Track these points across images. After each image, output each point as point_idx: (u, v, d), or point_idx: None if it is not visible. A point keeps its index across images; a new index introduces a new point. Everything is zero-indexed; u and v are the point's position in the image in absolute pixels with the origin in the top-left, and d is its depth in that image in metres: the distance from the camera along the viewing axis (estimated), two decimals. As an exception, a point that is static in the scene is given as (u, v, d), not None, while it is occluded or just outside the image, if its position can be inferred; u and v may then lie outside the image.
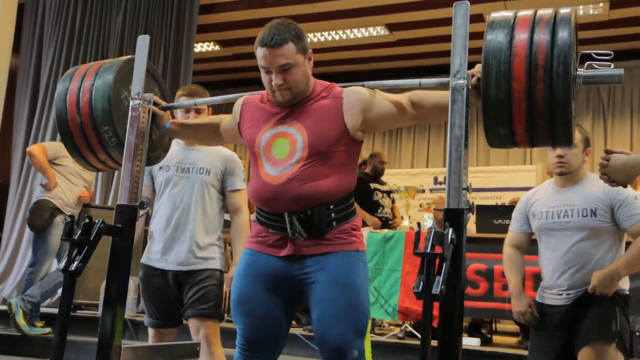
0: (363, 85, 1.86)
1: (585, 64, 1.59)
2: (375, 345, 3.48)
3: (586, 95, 8.13)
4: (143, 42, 1.99)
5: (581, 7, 6.57)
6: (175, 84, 6.14)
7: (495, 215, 4.62)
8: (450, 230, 1.42)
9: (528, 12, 1.56)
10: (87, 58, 6.60)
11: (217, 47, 8.33)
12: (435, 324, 1.51)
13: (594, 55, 1.57)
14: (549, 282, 2.50)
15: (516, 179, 7.16)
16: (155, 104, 2.09)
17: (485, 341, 4.44)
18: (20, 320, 4.19)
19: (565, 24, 1.49)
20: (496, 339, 4.93)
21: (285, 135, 1.85)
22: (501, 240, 2.73)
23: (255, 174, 1.89)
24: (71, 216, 1.85)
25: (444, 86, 1.63)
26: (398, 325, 4.63)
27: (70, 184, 4.61)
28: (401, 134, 9.18)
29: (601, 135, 7.98)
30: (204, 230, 2.67)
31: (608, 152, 1.98)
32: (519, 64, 1.48)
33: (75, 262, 1.71)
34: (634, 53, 7.44)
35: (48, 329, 4.33)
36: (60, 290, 3.83)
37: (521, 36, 1.50)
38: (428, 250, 1.37)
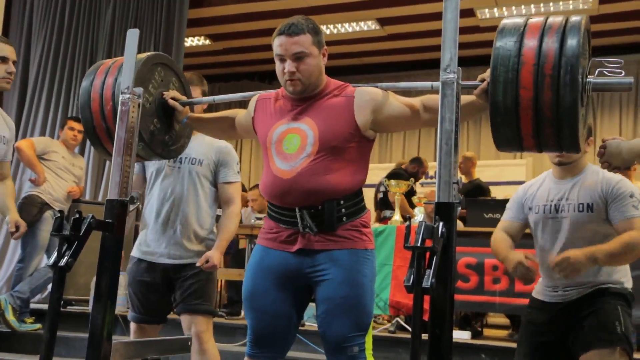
0: (377, 87, 1.89)
1: (596, 71, 1.60)
2: (366, 339, 3.48)
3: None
4: (132, 36, 1.98)
5: (571, 2, 6.60)
6: (166, 78, 6.09)
7: (486, 209, 4.63)
8: (441, 223, 1.42)
9: (539, 19, 1.57)
10: (77, 52, 6.55)
11: (207, 42, 8.28)
12: (426, 317, 1.52)
13: (605, 63, 1.59)
14: (544, 279, 2.40)
15: (506, 173, 7.20)
16: (174, 99, 2.12)
17: (476, 334, 4.47)
18: (10, 317, 4.16)
19: (575, 32, 1.49)
20: (487, 332, 4.95)
21: (297, 131, 1.87)
22: (491, 234, 2.71)
23: (267, 169, 1.91)
24: (60, 211, 1.83)
25: None
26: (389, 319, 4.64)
27: (59, 179, 4.58)
28: (392, 129, 9.22)
29: (590, 131, 8.02)
30: (197, 222, 2.61)
31: (604, 141, 1.99)
32: (526, 72, 1.49)
33: (65, 258, 1.69)
34: (623, 48, 7.48)
35: (38, 325, 4.31)
36: (50, 286, 3.81)
37: (530, 44, 1.51)
38: (418, 244, 1.38)
